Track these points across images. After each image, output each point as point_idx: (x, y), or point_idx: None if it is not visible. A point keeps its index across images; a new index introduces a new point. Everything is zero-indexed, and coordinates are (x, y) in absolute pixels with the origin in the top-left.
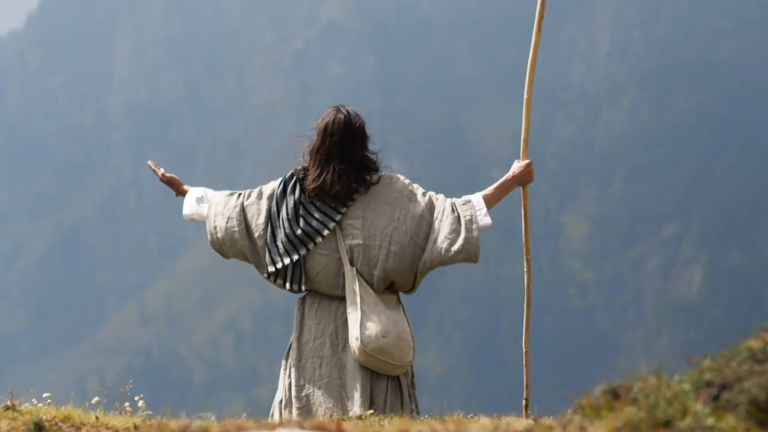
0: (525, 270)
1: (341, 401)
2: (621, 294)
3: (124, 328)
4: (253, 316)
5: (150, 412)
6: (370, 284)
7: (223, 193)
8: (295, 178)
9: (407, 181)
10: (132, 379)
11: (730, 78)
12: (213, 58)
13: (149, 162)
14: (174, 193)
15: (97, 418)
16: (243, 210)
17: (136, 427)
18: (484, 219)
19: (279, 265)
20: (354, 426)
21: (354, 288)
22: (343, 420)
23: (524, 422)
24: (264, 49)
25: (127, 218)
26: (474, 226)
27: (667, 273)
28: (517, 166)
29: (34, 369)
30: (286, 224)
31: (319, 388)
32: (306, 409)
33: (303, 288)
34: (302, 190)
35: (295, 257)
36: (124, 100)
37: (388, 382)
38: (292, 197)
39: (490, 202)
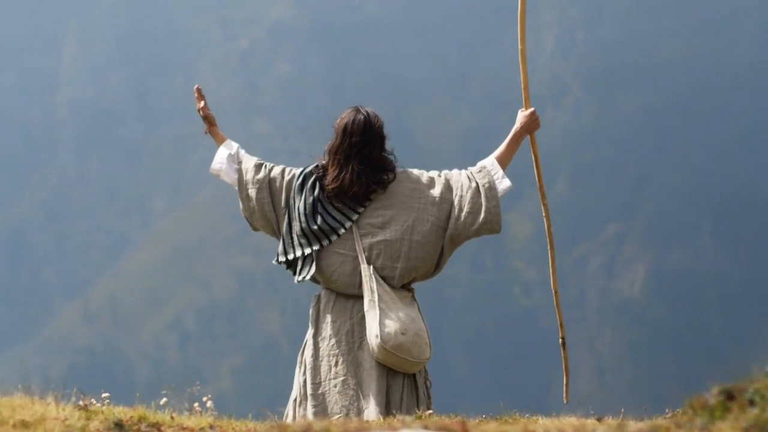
0: (544, 214)
1: (357, 399)
2: (564, 293)
3: (69, 326)
4: (197, 316)
5: (212, 413)
6: (393, 278)
7: (253, 160)
8: (314, 176)
9: (421, 171)
10: (199, 382)
11: (674, 79)
12: (160, 56)
13: (197, 86)
14: (204, 128)
15: (172, 417)
16: (270, 184)
17: (211, 427)
18: (503, 182)
19: (291, 256)
20: (478, 427)
21: (371, 286)
22: (464, 421)
23: (639, 424)
24: (211, 48)
25: (72, 217)
26: (493, 194)
27: (610, 272)
28: (522, 115)
29: None
30: (303, 218)
31: (334, 387)
32: (321, 408)
33: (308, 279)
34: (321, 189)
35: (308, 251)
36: (70, 98)
37: (404, 381)
38: (312, 195)
39: (504, 161)
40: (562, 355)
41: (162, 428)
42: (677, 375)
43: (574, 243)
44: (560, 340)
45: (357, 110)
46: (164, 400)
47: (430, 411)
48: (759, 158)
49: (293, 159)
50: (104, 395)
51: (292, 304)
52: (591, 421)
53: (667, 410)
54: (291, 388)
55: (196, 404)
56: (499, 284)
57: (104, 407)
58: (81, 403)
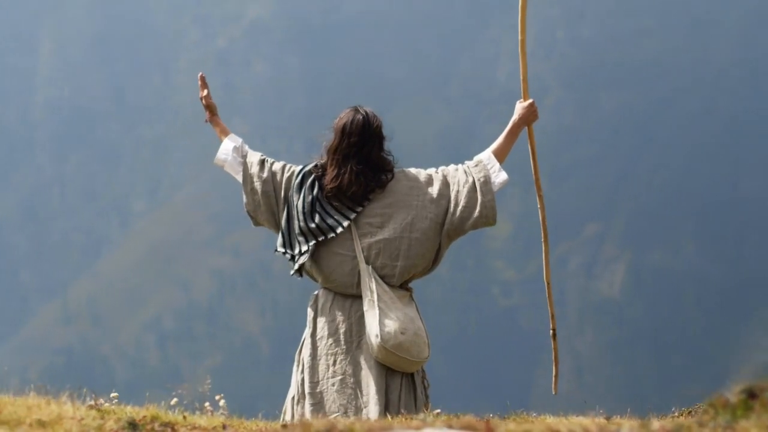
0: (539, 206)
1: (355, 398)
2: (544, 293)
3: (47, 327)
4: (176, 316)
5: (224, 412)
6: (393, 277)
7: (258, 155)
8: (313, 175)
9: (418, 169)
10: (210, 380)
11: (654, 78)
12: (137, 56)
13: (201, 74)
14: (206, 117)
15: (184, 417)
16: (273, 177)
17: (224, 427)
18: (499, 176)
19: (292, 251)
20: (503, 425)
21: (371, 286)
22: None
23: (668, 422)
24: (188, 48)
25: (50, 217)
26: (489, 188)
27: (590, 272)
28: (520, 107)
29: None
30: (301, 217)
31: (332, 386)
32: (319, 406)
33: (297, 267)
34: (320, 188)
35: (304, 248)
36: (47, 98)
37: (402, 380)
38: (311, 194)
39: (501, 154)
40: (552, 346)
41: (175, 428)
42: (657, 375)
43: (553, 242)
44: (551, 331)
45: (356, 110)
46: (175, 399)
47: (438, 411)
48: (739, 158)
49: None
50: (113, 395)
51: (272, 304)
52: (616, 420)
53: (673, 409)
54: (281, 387)
55: (207, 404)
56: (478, 284)
57: (114, 407)
58: (92, 402)
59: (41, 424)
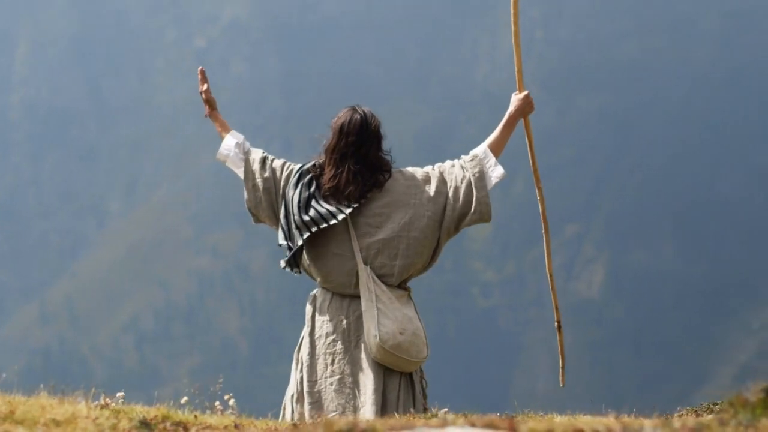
0: (538, 198)
1: (353, 398)
2: (523, 293)
3: (25, 328)
4: (155, 316)
5: (233, 411)
6: (391, 276)
7: (260, 152)
8: (311, 174)
9: (415, 168)
10: (222, 379)
11: (633, 79)
12: (115, 56)
13: (201, 68)
14: (205, 112)
15: (195, 416)
16: (273, 174)
17: (236, 426)
18: (495, 170)
19: (293, 244)
20: (525, 423)
21: (369, 286)
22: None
23: (690, 420)
24: (166, 48)
25: (28, 218)
26: (483, 184)
27: (569, 273)
28: (515, 99)
29: None
30: (296, 210)
31: (330, 385)
32: (318, 405)
33: (302, 272)
34: (317, 187)
35: (299, 242)
36: (24, 98)
37: (400, 379)
38: (307, 191)
39: (497, 148)
40: (558, 338)
41: (187, 427)
42: (636, 375)
43: (532, 243)
44: (556, 323)
45: (354, 110)
46: (185, 399)
47: (446, 409)
48: (719, 159)
49: None
50: (119, 394)
51: (250, 304)
52: (638, 420)
53: (679, 408)
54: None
55: (217, 403)
56: (457, 285)
57: (123, 406)
58: (102, 401)
59: (56, 423)
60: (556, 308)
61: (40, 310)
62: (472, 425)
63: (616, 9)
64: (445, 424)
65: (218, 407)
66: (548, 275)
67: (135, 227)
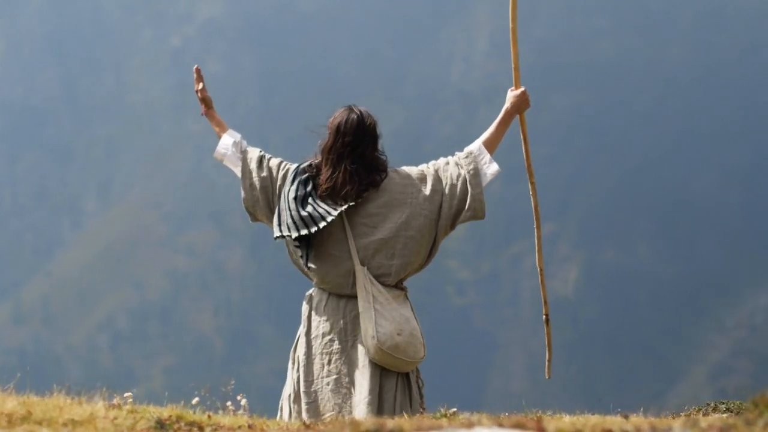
0: (531, 193)
1: (349, 398)
2: (498, 292)
3: None
4: (129, 316)
5: (245, 411)
6: (389, 276)
7: (257, 151)
8: (307, 174)
9: (411, 167)
10: (234, 380)
11: (608, 78)
12: (90, 55)
13: (196, 67)
14: (201, 110)
15: (209, 416)
16: (270, 173)
17: (249, 426)
18: (490, 167)
19: (285, 233)
20: (553, 423)
21: (366, 287)
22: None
23: (716, 420)
24: (142, 47)
25: (2, 217)
26: (477, 181)
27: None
28: (512, 95)
29: None
30: (293, 205)
31: (327, 385)
32: (314, 405)
33: (309, 266)
34: (314, 187)
35: (295, 234)
36: None
37: (397, 380)
38: (303, 189)
39: (492, 144)
40: (546, 331)
41: (202, 427)
42: (610, 374)
43: (507, 242)
44: (544, 317)
45: (350, 109)
46: (196, 399)
47: (454, 409)
48: (692, 158)
49: None
50: (126, 395)
51: (225, 304)
52: (666, 420)
53: (686, 407)
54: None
55: (228, 403)
56: (432, 283)
57: (136, 407)
58: (115, 401)
59: (75, 423)
60: (545, 302)
61: (14, 310)
62: (500, 425)
63: (591, 9)
64: (472, 424)
65: (230, 407)
66: (538, 269)
67: (110, 226)
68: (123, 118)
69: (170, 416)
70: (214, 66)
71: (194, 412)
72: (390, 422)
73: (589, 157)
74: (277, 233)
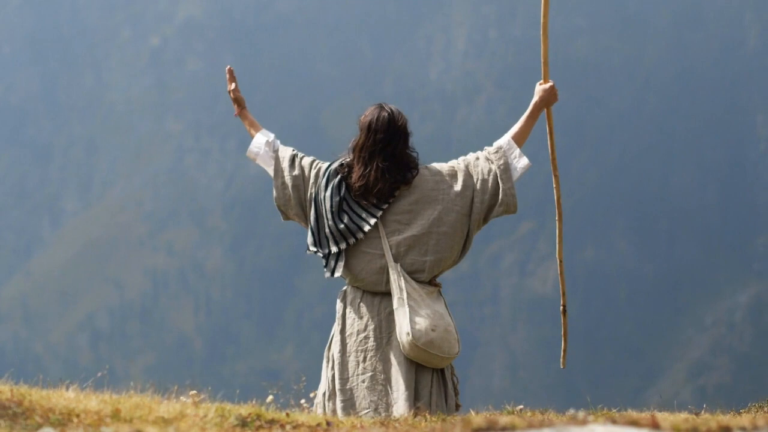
0: (554, 186)
1: (386, 395)
2: (478, 290)
3: None
4: (109, 315)
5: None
6: (422, 272)
7: (289, 150)
8: (339, 176)
9: (441, 164)
10: (305, 378)
11: (586, 77)
12: (69, 54)
13: (229, 67)
14: (234, 110)
15: (287, 414)
16: (302, 172)
17: (328, 424)
18: (520, 161)
19: (325, 251)
20: (668, 421)
21: (400, 284)
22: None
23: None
24: (121, 46)
25: None
26: (508, 175)
27: (523, 269)
28: (540, 89)
29: None
30: (329, 216)
31: (363, 382)
32: (350, 402)
33: (335, 275)
34: (347, 188)
35: (335, 249)
36: None
37: (432, 376)
38: (338, 195)
39: (521, 138)
40: (562, 321)
41: (283, 425)
42: (590, 372)
43: (487, 240)
44: (561, 307)
45: (381, 107)
46: (270, 397)
47: (521, 407)
48: (670, 156)
49: (204, 158)
50: (192, 392)
51: (205, 302)
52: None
53: (749, 403)
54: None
55: (302, 401)
56: None
57: (215, 404)
58: (191, 400)
59: (164, 421)
60: (563, 293)
61: None
62: (614, 422)
63: (569, 8)
64: (586, 422)
65: (305, 405)
66: (558, 261)
67: (89, 226)
68: (102, 118)
69: (249, 414)
70: (193, 65)
71: (267, 410)
72: (502, 419)
73: (568, 156)
74: (312, 249)
